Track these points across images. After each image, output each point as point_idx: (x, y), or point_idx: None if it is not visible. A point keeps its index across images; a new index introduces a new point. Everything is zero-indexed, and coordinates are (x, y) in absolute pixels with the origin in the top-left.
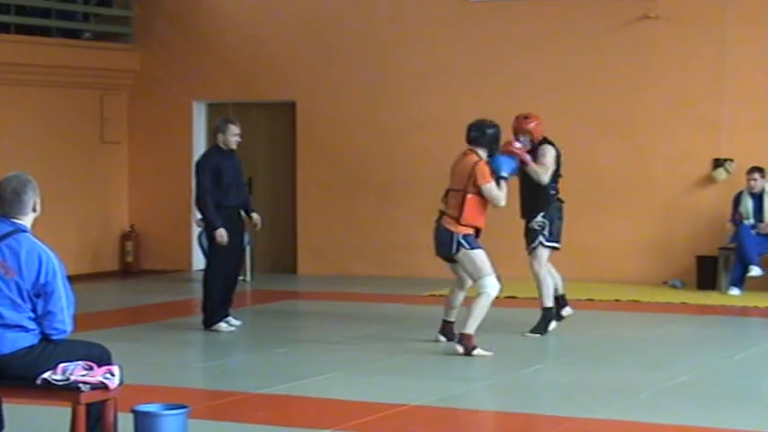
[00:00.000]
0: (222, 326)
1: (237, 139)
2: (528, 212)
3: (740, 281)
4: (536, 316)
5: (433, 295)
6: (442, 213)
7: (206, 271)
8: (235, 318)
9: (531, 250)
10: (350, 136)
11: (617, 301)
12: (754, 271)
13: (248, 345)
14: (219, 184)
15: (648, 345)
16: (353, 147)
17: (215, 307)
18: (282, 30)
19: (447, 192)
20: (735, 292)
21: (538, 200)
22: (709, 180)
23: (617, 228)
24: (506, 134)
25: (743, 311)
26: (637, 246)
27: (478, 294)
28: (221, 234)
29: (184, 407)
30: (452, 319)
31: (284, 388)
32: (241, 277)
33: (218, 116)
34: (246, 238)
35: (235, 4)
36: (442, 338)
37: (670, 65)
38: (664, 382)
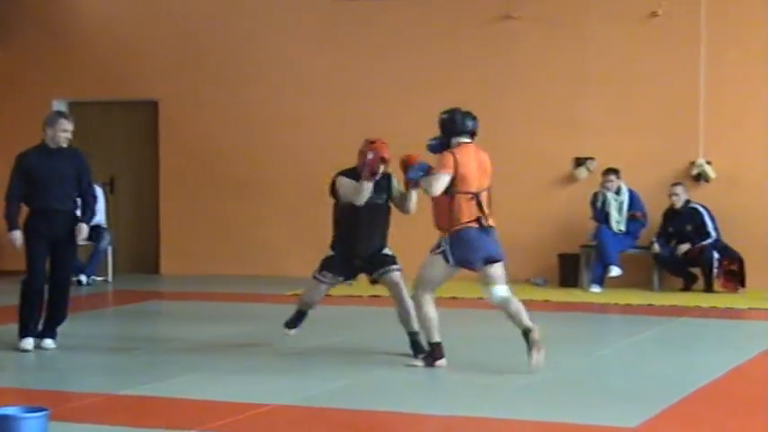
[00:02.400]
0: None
1: (67, 135)
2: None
3: (601, 278)
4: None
5: (296, 294)
6: (481, 215)
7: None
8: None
9: None
10: (213, 135)
11: (479, 299)
12: (614, 271)
13: (109, 345)
14: (32, 183)
15: (511, 342)
16: (216, 146)
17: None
18: (145, 28)
19: (477, 195)
20: (596, 289)
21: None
22: (571, 179)
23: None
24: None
25: (603, 308)
26: (501, 244)
27: (508, 299)
28: (13, 238)
29: (44, 409)
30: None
31: (146, 389)
32: (102, 278)
33: (80, 115)
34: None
35: (98, 2)
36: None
37: (532, 64)
38: (527, 378)
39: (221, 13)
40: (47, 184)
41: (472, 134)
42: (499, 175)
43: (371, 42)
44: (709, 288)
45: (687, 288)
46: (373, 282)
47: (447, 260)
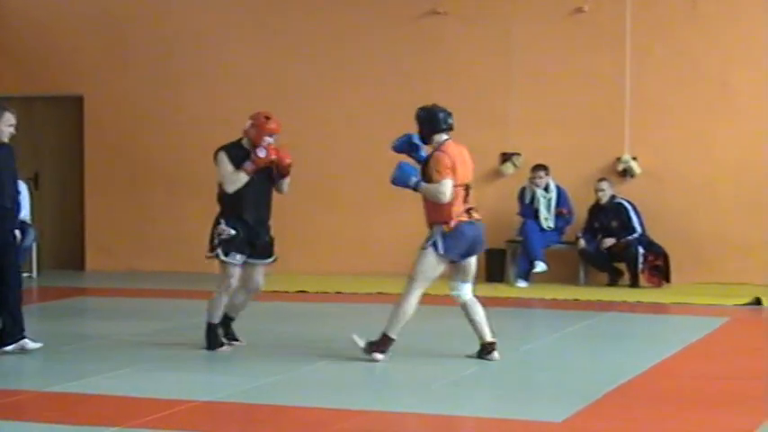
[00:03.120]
0: None
1: (12, 130)
2: None
3: (527, 274)
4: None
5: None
6: (468, 210)
7: None
8: None
9: None
10: (139, 131)
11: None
12: (539, 267)
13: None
14: None
15: (438, 337)
16: (142, 142)
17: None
18: (70, 21)
19: (466, 187)
20: (522, 284)
21: None
22: (497, 174)
23: (407, 221)
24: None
25: (529, 303)
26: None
27: (473, 301)
28: None
29: None
30: None
31: (72, 386)
32: (27, 274)
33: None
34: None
35: None
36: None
37: (458, 60)
38: (453, 373)
39: (149, 8)
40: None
41: (450, 129)
42: None
43: (299, 39)
44: (634, 283)
45: (612, 283)
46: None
47: (436, 251)
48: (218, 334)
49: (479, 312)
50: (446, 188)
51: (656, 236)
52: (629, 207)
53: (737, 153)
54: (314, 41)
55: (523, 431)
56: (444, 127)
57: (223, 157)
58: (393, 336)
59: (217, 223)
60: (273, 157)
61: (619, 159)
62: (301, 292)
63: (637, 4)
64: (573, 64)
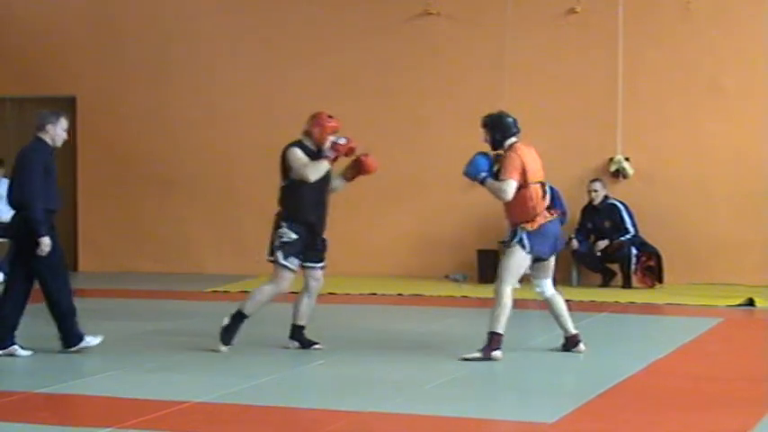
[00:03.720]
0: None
1: (65, 135)
2: None
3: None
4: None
5: (216, 291)
6: (548, 208)
7: (52, 283)
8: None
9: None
10: (132, 132)
11: (399, 295)
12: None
13: (27, 343)
14: (48, 184)
15: (431, 338)
16: (135, 143)
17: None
18: (62, 22)
19: (542, 184)
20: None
21: None
22: None
23: (399, 223)
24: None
25: (522, 304)
26: (419, 241)
27: (555, 295)
28: (47, 244)
29: None
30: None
31: (65, 387)
32: None
33: None
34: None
35: None
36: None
37: (451, 61)
38: (446, 374)
39: (142, 9)
40: (54, 185)
41: (518, 132)
42: (419, 171)
43: (294, 40)
44: (627, 284)
45: (605, 284)
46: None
47: (524, 249)
48: (238, 329)
49: (562, 306)
50: (509, 188)
51: (648, 236)
52: (621, 208)
53: (730, 154)
54: (308, 43)
55: None
56: (514, 131)
57: (297, 150)
58: (500, 331)
59: (278, 226)
60: (353, 144)
61: (611, 160)
62: (293, 293)
63: (629, 5)
64: (565, 65)
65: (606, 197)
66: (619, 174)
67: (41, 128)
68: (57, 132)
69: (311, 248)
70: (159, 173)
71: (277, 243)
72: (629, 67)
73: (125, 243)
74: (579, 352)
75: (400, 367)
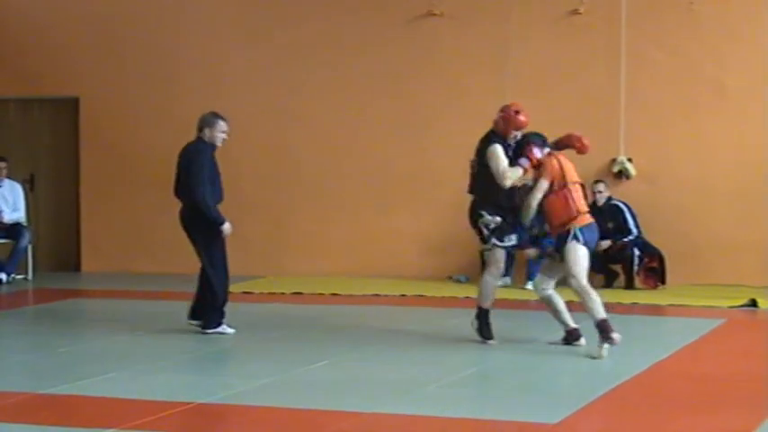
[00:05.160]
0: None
1: (225, 136)
2: None
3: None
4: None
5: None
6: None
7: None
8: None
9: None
10: (135, 132)
11: (403, 296)
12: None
13: (30, 344)
14: (212, 181)
15: (434, 339)
16: (138, 143)
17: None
18: (66, 23)
19: (582, 185)
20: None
21: None
22: None
23: (402, 224)
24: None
25: (525, 305)
26: (422, 241)
27: (555, 293)
28: (228, 228)
29: None
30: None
31: (68, 387)
32: (22, 276)
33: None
34: None
35: None
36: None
37: (453, 61)
38: (450, 375)
39: (145, 10)
40: (216, 181)
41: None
42: (421, 172)
43: (294, 41)
44: (630, 285)
45: (608, 285)
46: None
47: (579, 242)
48: (490, 322)
49: (561, 303)
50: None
51: (651, 237)
52: (624, 209)
53: (733, 155)
54: (308, 43)
55: None
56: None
57: (499, 150)
58: (604, 316)
59: (479, 216)
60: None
61: (614, 161)
62: (297, 293)
63: (632, 5)
64: (568, 65)
65: (609, 198)
66: (621, 175)
67: (201, 129)
68: (214, 134)
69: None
70: (162, 173)
71: (487, 231)
72: (631, 68)
73: (127, 244)
74: (580, 345)
75: (403, 368)
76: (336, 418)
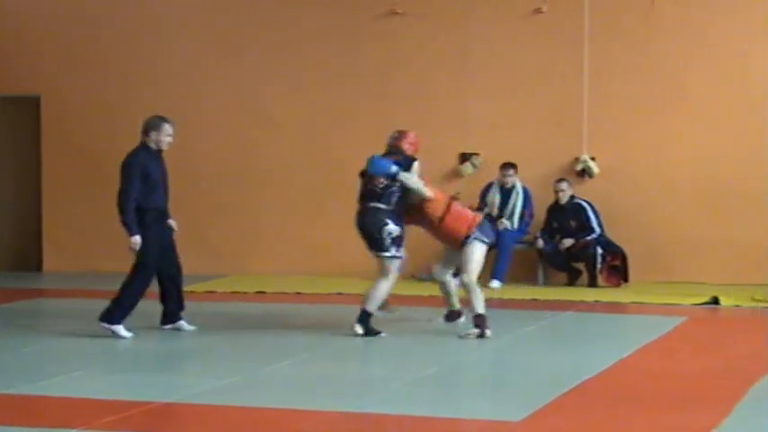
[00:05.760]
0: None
1: (170, 140)
2: None
3: (502, 273)
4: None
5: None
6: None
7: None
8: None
9: None
10: (97, 131)
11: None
12: (494, 283)
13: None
14: (147, 184)
15: (398, 336)
16: (101, 142)
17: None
18: (26, 20)
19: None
20: (495, 284)
21: None
22: (456, 174)
23: None
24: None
25: (488, 303)
26: None
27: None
28: (137, 241)
29: None
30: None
31: (31, 387)
32: None
33: None
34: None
35: None
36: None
37: (417, 60)
38: (414, 373)
39: (108, 7)
40: (157, 185)
41: None
42: None
43: (258, 40)
44: (592, 283)
45: (571, 283)
46: None
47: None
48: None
49: (452, 287)
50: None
51: (614, 236)
52: (587, 207)
53: (695, 153)
54: (272, 42)
55: (482, 430)
56: None
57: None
58: (483, 312)
59: (384, 224)
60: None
61: (577, 159)
62: (260, 292)
63: (595, 4)
64: (531, 64)
65: (572, 197)
66: (584, 173)
67: (146, 133)
68: (160, 138)
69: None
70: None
71: (389, 240)
72: (594, 66)
73: (89, 243)
74: (459, 322)
75: (368, 366)
76: (300, 417)
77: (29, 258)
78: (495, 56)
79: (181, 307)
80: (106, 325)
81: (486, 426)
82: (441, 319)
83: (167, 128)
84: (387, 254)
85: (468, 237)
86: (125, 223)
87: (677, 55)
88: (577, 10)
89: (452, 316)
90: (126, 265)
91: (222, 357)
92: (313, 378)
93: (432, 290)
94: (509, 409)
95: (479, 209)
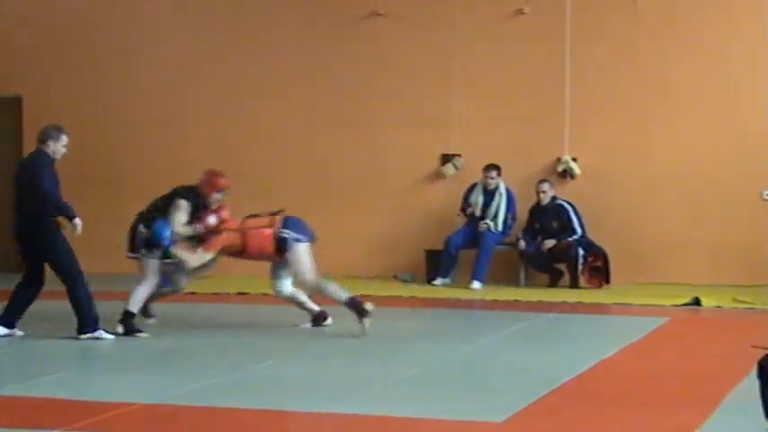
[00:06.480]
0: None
1: (65, 150)
2: None
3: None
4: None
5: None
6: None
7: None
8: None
9: None
10: (79, 132)
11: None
12: (475, 284)
13: None
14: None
15: (379, 338)
16: (82, 143)
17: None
18: (7, 20)
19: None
20: (477, 285)
21: None
22: (438, 175)
23: (347, 223)
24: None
25: (470, 304)
26: (367, 240)
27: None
28: (79, 223)
29: None
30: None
31: (9, 389)
32: None
33: None
34: None
35: None
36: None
37: (399, 61)
38: (395, 374)
39: (90, 8)
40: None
41: None
42: (366, 172)
43: (238, 40)
44: (574, 284)
45: (553, 284)
46: None
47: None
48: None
49: (302, 295)
50: (183, 232)
51: (596, 237)
52: (569, 208)
53: (677, 153)
54: (252, 42)
55: (464, 431)
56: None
57: (183, 203)
58: (348, 295)
59: (146, 226)
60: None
61: (559, 160)
62: (242, 293)
63: (577, 5)
64: (513, 65)
65: (554, 198)
66: (566, 174)
67: (44, 141)
68: (57, 148)
69: None
70: (106, 173)
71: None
72: (576, 67)
73: (71, 244)
74: (328, 324)
75: (349, 368)
76: (279, 419)
77: (6, 259)
78: (477, 57)
79: (20, 315)
80: (86, 336)
81: (468, 427)
82: (308, 325)
83: (64, 138)
84: (142, 254)
85: (280, 245)
86: (62, 209)
87: (659, 55)
88: (559, 11)
89: (318, 318)
90: (106, 265)
91: (204, 358)
92: (295, 379)
93: (413, 290)
94: (491, 410)
95: (463, 210)
